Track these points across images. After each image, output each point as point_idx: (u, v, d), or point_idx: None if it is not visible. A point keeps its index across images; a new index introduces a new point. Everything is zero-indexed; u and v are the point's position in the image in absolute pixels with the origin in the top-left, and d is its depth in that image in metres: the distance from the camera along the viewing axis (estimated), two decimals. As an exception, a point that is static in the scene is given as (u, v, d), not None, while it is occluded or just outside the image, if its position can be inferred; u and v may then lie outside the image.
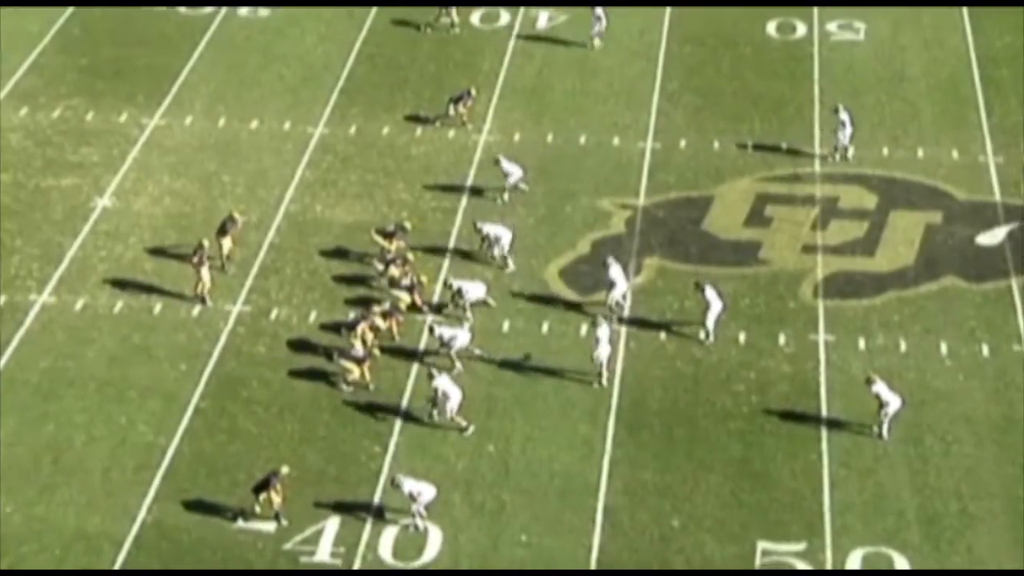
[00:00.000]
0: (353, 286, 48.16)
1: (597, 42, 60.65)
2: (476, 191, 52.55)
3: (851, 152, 53.22)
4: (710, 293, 45.96)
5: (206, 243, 47.82)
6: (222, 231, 48.69)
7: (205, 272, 47.34)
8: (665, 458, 42.12)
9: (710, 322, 45.85)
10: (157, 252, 49.78)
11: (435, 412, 42.93)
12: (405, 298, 46.80)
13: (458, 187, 52.84)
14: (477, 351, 45.42)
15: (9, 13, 62.97)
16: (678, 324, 46.53)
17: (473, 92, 56.06)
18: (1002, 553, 39.02)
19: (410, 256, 47.97)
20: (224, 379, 44.82)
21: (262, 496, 39.60)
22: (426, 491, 39.81)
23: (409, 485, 39.71)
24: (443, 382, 42.90)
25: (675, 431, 43.00)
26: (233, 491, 40.91)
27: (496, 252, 48.81)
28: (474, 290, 47.15)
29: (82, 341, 46.35)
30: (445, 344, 44.86)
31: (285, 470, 39.98)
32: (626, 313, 47.08)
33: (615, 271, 46.97)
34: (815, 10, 62.88)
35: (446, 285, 47.48)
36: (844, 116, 52.92)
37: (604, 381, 44.24)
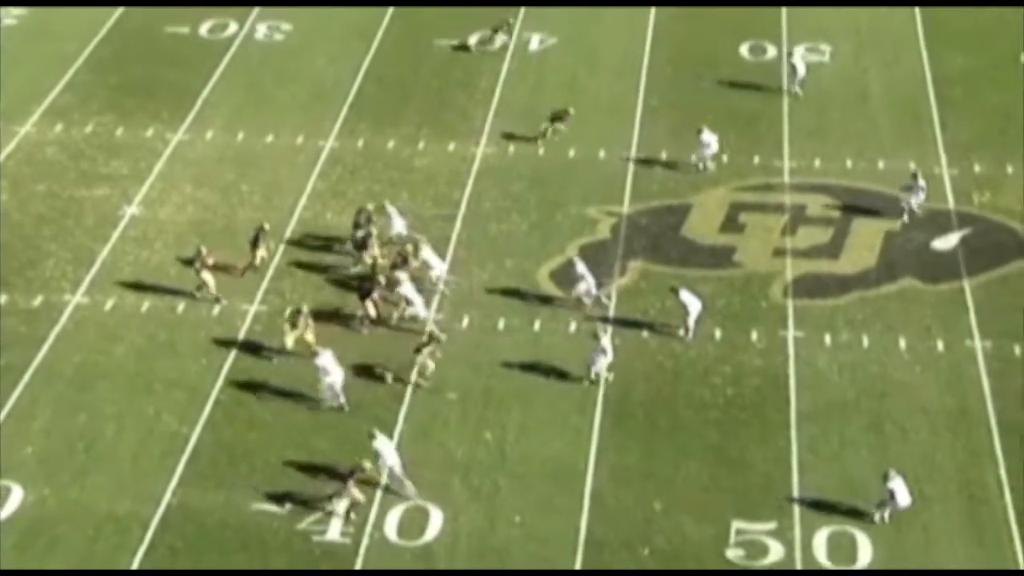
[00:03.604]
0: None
1: (798, 90, 58.70)
2: (474, 199, 52.54)
3: (919, 212, 51.29)
4: (686, 295, 45.88)
5: (204, 249, 47.75)
6: (255, 242, 48.42)
7: (208, 275, 47.40)
8: (648, 445, 42.13)
9: (691, 321, 45.81)
10: (180, 256, 49.66)
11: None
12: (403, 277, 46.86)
13: (457, 196, 52.79)
14: (432, 325, 45.95)
15: (46, 37, 63.06)
16: (659, 322, 46.47)
17: (571, 111, 55.79)
18: (954, 532, 39.12)
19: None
20: (242, 373, 44.76)
21: (342, 491, 39.36)
22: (390, 456, 40.25)
23: (381, 444, 40.26)
24: (325, 359, 43.12)
25: (657, 420, 43.00)
26: (251, 475, 41.02)
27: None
28: (439, 267, 47.68)
29: (112, 338, 46.34)
30: (407, 301, 45.79)
31: (368, 465, 39.73)
32: (611, 312, 47.08)
33: (581, 268, 47.07)
34: (784, 34, 62.88)
35: (412, 254, 47.72)
36: (921, 181, 50.91)
37: (596, 381, 44.20)
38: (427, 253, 48.05)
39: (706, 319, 46.17)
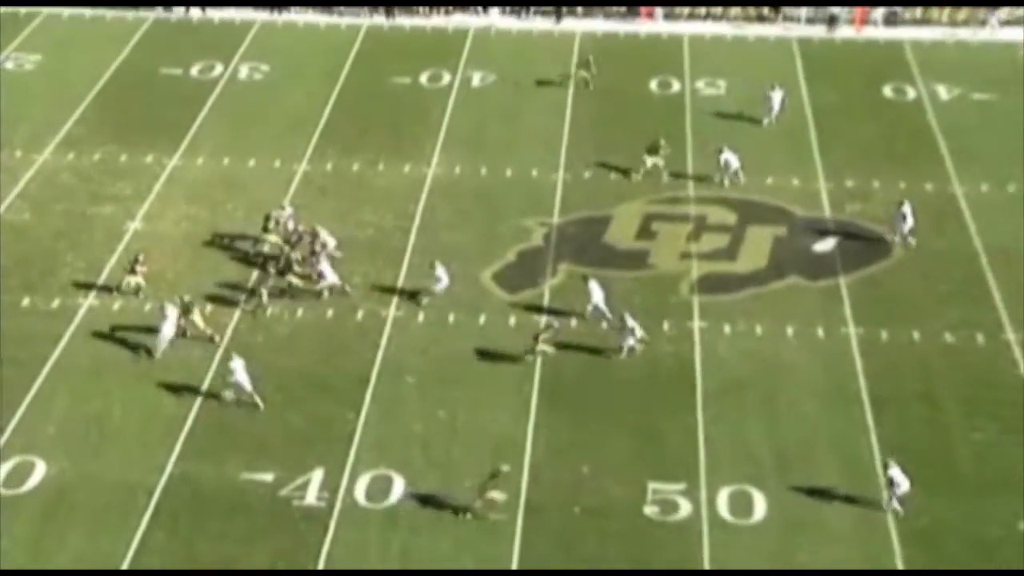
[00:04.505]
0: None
1: (766, 121, 58.29)
2: (427, 212, 52.38)
3: (912, 240, 50.09)
4: (593, 285, 46.10)
5: (141, 257, 47.92)
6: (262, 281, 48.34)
7: (134, 277, 47.44)
8: (577, 420, 42.19)
9: (590, 306, 45.82)
10: (176, 264, 49.39)
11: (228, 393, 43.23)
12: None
13: (412, 210, 52.59)
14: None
15: (59, 79, 62.50)
16: (586, 315, 46.46)
17: (663, 142, 54.89)
18: (834, 489, 39.51)
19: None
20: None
21: (488, 493, 38.65)
22: (241, 375, 41.76)
23: (236, 364, 41.74)
24: (169, 315, 44.66)
25: (585, 399, 43.06)
26: (240, 450, 41.00)
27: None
28: (331, 242, 48.39)
29: (120, 335, 45.99)
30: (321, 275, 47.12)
31: (506, 468, 39.10)
32: (544, 304, 47.07)
33: (440, 271, 46.98)
34: (687, 71, 63.00)
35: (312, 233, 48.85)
36: (907, 209, 49.92)
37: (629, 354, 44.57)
38: (325, 235, 48.81)
39: (624, 312, 46.24)
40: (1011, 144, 56.79)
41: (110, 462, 40.73)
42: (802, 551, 37.76)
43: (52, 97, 61.05)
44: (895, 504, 38.62)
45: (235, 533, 38.29)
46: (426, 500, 39.24)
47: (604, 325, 45.66)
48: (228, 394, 42.64)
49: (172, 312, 44.94)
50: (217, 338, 45.22)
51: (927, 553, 37.59)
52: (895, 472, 38.38)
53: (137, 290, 47.36)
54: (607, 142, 57.09)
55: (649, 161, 54.41)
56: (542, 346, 44.28)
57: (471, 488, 39.19)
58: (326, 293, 47.18)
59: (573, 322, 46.11)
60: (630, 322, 44.32)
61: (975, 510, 38.76)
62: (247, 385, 42.26)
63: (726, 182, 53.64)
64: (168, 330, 44.82)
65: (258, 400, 42.25)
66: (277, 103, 60.93)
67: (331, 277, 47.26)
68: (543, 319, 46.16)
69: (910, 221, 49.95)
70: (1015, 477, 39.91)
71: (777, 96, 58.52)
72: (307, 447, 41.09)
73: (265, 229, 49.78)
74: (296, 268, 48.14)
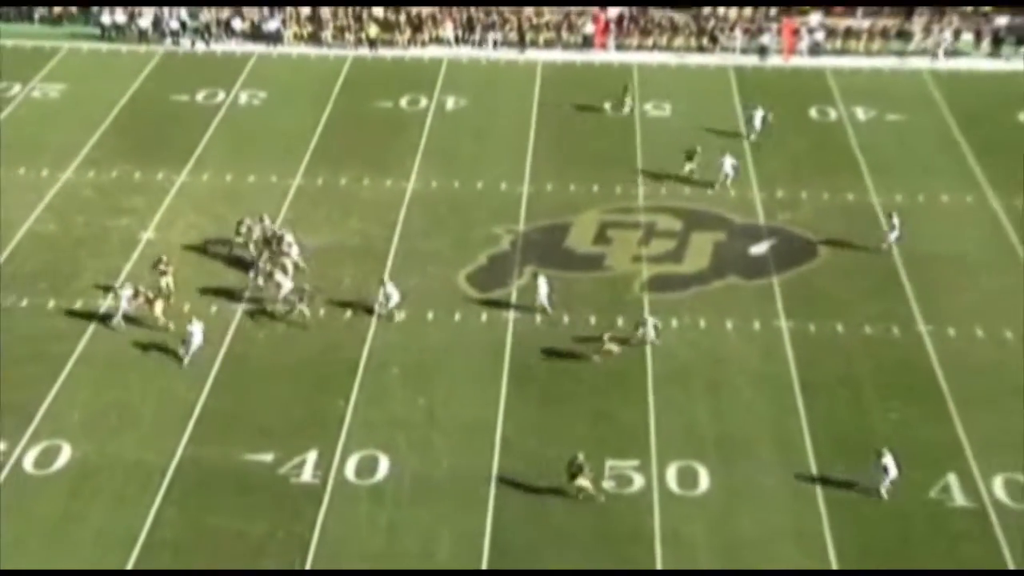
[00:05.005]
0: (321, 288, 47.77)
1: (752, 137, 58.34)
2: (407, 221, 52.18)
3: (886, 247, 49.90)
4: (541, 280, 46.19)
5: (164, 258, 47.69)
6: (301, 298, 47.63)
7: (164, 278, 47.13)
8: (543, 405, 42.12)
9: (543, 300, 45.94)
10: (185, 269, 48.98)
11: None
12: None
13: (394, 219, 52.41)
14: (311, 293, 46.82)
15: (81, 106, 62.06)
16: (548, 311, 46.39)
17: (699, 149, 55.06)
18: (769, 466, 39.57)
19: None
20: (236, 356, 44.32)
21: (578, 481, 38.16)
22: (198, 336, 43.21)
23: (195, 327, 43.27)
24: (125, 294, 45.54)
25: (549, 386, 42.98)
26: (243, 434, 40.75)
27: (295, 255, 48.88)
28: (294, 252, 48.19)
29: (135, 331, 45.64)
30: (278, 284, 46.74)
31: (581, 457, 38.38)
32: (512, 300, 46.95)
33: (391, 287, 46.27)
34: (636, 94, 62.97)
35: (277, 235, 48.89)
36: (895, 221, 49.80)
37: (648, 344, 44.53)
38: (290, 239, 48.67)
39: (583, 309, 46.23)
40: (920, 159, 57.19)
41: (128, 445, 40.43)
42: (742, 519, 37.79)
43: (74, 122, 60.61)
44: (882, 490, 38.27)
45: (239, 508, 38.06)
46: (408, 477, 39.10)
47: (566, 319, 45.65)
48: (182, 351, 43.43)
49: (127, 294, 45.66)
50: (172, 325, 45.21)
51: (850, 519, 37.69)
52: (887, 460, 38.00)
53: (159, 288, 47.12)
54: (567, 158, 57.08)
55: (687, 166, 54.66)
56: (608, 345, 43.97)
57: (448, 467, 39.29)
58: (280, 306, 46.52)
59: (538, 318, 46.05)
60: (645, 315, 44.55)
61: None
62: (193, 346, 43.24)
63: (730, 189, 53.83)
64: (124, 307, 45.61)
65: (185, 359, 43.43)
66: (273, 125, 60.66)
67: (287, 285, 46.75)
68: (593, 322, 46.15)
69: (897, 231, 49.84)
70: (925, 451, 40.06)
71: (759, 115, 58.66)
72: (303, 431, 40.86)
73: (238, 233, 49.69)
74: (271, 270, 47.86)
